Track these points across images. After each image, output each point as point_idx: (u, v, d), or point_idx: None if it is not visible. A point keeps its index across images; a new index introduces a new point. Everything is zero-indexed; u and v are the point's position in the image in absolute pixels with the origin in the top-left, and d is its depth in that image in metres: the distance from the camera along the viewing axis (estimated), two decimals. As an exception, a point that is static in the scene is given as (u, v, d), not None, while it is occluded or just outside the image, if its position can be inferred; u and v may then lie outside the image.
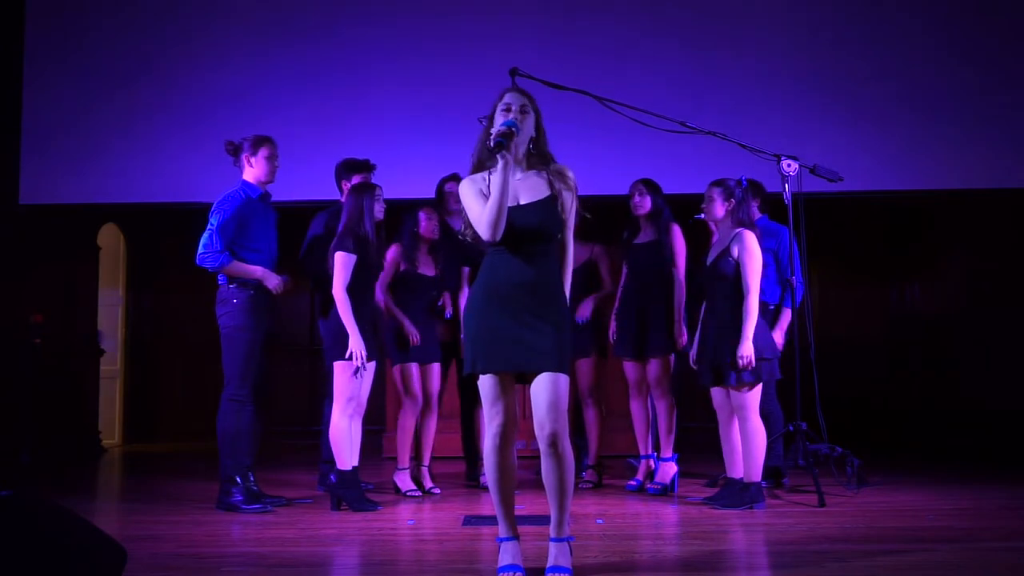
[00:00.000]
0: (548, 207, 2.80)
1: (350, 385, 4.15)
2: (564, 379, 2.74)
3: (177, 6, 6.18)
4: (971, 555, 3.04)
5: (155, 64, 6.10)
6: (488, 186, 2.77)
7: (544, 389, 2.72)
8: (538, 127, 2.86)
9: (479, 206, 2.76)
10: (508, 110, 2.80)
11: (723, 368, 4.05)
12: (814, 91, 5.95)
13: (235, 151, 4.36)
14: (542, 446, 2.73)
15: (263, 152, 4.33)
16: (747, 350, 3.98)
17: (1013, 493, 4.36)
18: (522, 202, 2.79)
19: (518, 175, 2.83)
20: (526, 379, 2.78)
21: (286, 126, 5.61)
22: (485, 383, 2.77)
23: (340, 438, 4.13)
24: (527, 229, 2.76)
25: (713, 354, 4.11)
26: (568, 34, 5.99)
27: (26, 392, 6.17)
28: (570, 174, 2.86)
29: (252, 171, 4.34)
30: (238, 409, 4.18)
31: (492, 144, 2.69)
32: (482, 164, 2.85)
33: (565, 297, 2.85)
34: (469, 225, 2.83)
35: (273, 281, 4.23)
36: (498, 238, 2.73)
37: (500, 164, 2.70)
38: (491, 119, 2.85)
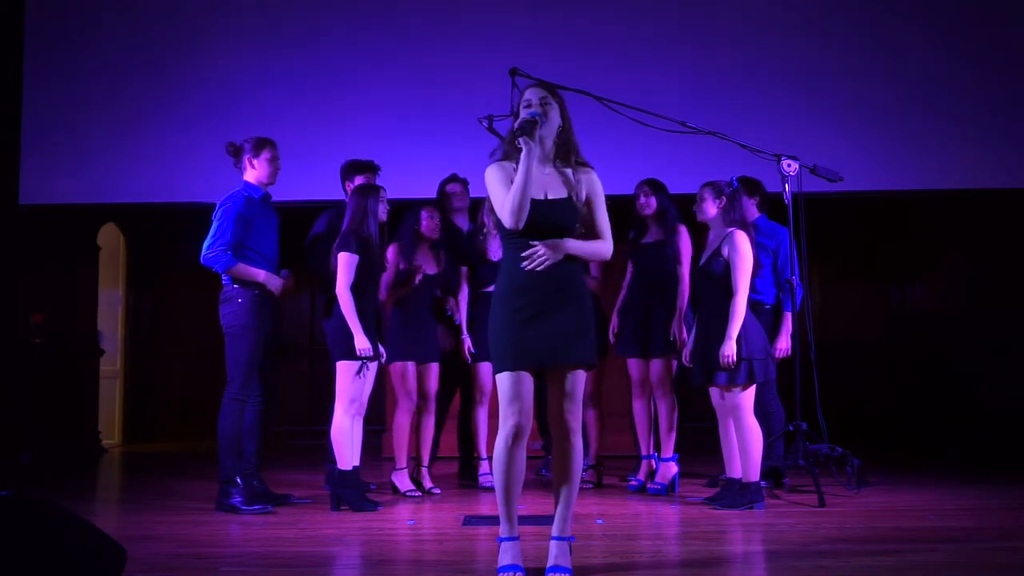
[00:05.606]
0: (570, 204, 2.80)
1: (353, 385, 4.16)
2: (584, 373, 2.77)
3: (178, 6, 6.18)
4: (971, 555, 3.04)
5: (155, 64, 6.10)
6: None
7: (567, 382, 2.74)
8: (564, 117, 2.85)
9: (504, 192, 2.75)
10: (529, 105, 2.81)
11: (713, 369, 4.05)
12: (814, 91, 5.95)
13: (236, 152, 4.33)
14: (556, 437, 2.74)
15: (265, 154, 4.31)
16: (729, 349, 3.97)
17: (1013, 493, 4.36)
18: (549, 196, 2.78)
19: (546, 169, 2.82)
20: (543, 374, 2.79)
21: (287, 125, 5.61)
22: (504, 381, 2.73)
23: (342, 438, 4.13)
24: (551, 224, 2.75)
25: (704, 355, 4.11)
26: (568, 34, 5.99)
27: (26, 392, 6.16)
28: (591, 174, 2.87)
29: (254, 172, 4.32)
30: (240, 409, 4.16)
31: (516, 128, 2.69)
32: (508, 157, 2.84)
33: (588, 291, 2.86)
34: (493, 212, 2.83)
35: (275, 283, 4.23)
36: (520, 226, 2.71)
37: (524, 151, 2.70)
38: (516, 117, 2.84)
